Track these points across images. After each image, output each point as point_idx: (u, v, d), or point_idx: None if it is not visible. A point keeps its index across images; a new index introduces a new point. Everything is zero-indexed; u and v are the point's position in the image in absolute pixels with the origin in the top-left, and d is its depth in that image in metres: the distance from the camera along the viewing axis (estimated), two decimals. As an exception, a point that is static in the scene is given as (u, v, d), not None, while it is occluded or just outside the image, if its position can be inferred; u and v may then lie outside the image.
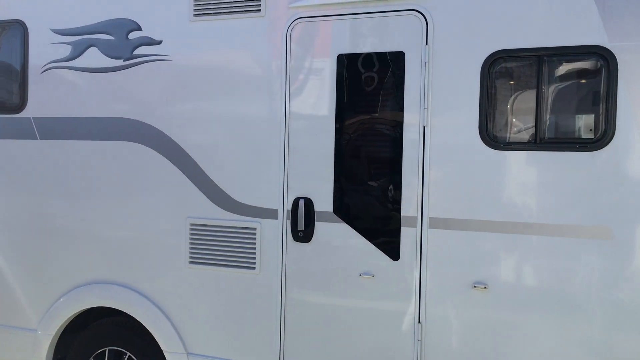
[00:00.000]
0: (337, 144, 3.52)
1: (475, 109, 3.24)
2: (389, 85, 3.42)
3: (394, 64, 3.39)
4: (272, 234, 3.68)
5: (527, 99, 3.17)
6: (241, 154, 3.73)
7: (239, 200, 3.75)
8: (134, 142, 3.99)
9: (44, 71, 4.24)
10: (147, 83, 3.95)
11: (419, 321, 3.39)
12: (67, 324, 4.27)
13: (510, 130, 3.22)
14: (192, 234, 3.86)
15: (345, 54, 3.49)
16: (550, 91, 3.13)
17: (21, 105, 4.32)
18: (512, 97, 3.23)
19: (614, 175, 3.02)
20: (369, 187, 3.48)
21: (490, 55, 3.20)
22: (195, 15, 3.81)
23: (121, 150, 4.03)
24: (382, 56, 3.43)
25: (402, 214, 3.39)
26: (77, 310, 4.19)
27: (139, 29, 3.96)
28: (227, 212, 3.78)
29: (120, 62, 4.02)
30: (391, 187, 3.42)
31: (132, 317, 4.06)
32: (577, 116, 3.13)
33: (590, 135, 3.08)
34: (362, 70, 3.47)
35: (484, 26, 3.22)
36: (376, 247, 3.46)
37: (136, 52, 3.97)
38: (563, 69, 3.13)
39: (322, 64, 3.55)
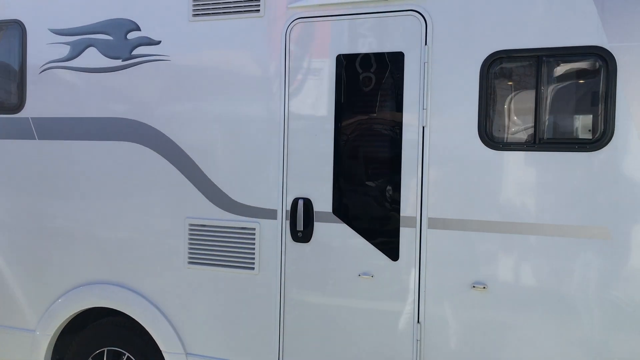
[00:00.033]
0: (336, 144, 3.52)
1: (474, 109, 3.24)
2: (388, 85, 3.42)
3: (393, 64, 3.39)
4: (271, 234, 3.68)
5: (526, 99, 3.18)
6: (240, 154, 3.73)
7: (238, 200, 3.75)
8: (133, 142, 3.99)
9: (43, 71, 4.23)
10: (146, 83, 3.95)
11: (418, 321, 3.39)
12: (65, 324, 4.27)
13: (509, 130, 3.23)
14: (191, 234, 3.86)
15: (344, 55, 3.49)
16: (549, 91, 3.14)
17: (19, 105, 4.31)
18: (511, 97, 3.23)
19: (613, 176, 3.03)
20: (368, 188, 3.48)
21: (489, 56, 3.20)
22: (194, 15, 3.80)
23: (120, 151, 4.03)
24: (381, 56, 3.43)
25: (401, 214, 3.40)
26: (76, 311, 4.18)
27: (138, 29, 3.95)
28: (226, 213, 3.78)
29: (119, 62, 4.02)
30: (390, 187, 3.42)
31: (131, 317, 4.05)
32: (576, 116, 3.14)
33: (589, 136, 3.08)
34: (361, 71, 3.47)
35: (483, 27, 3.22)
36: (375, 248, 3.46)
37: (135, 52, 3.97)
38: (562, 69, 3.13)
39: (321, 64, 3.55)
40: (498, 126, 3.24)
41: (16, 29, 4.30)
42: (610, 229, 3.04)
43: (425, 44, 3.33)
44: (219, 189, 3.79)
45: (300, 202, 3.58)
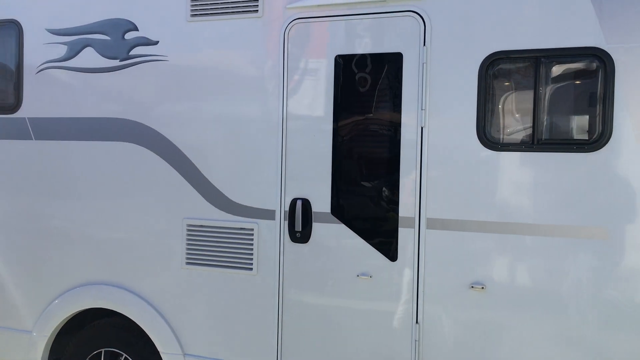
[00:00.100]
0: (334, 145, 3.52)
1: (472, 109, 3.25)
2: (387, 86, 3.42)
3: (392, 65, 3.40)
4: (270, 234, 3.67)
5: (525, 100, 3.19)
6: (238, 154, 3.73)
7: (236, 201, 3.74)
8: (130, 142, 3.98)
9: (39, 71, 4.22)
10: (144, 83, 3.94)
11: (417, 321, 3.39)
12: (62, 325, 4.25)
13: (508, 131, 3.23)
14: (188, 234, 3.86)
15: (342, 55, 3.49)
16: (548, 92, 3.15)
17: (16, 105, 4.29)
18: (510, 98, 3.24)
19: (611, 176, 3.04)
20: (366, 188, 3.48)
21: (487, 57, 3.21)
22: (193, 15, 3.80)
23: (117, 151, 4.02)
24: (379, 57, 3.43)
25: (399, 215, 3.40)
26: (73, 312, 4.17)
27: (136, 29, 3.94)
28: (224, 213, 3.78)
29: (116, 63, 4.00)
30: (389, 187, 3.42)
31: (129, 318, 4.04)
32: (574, 117, 3.15)
33: (587, 137, 3.09)
34: (360, 71, 3.47)
35: (482, 27, 3.23)
36: (374, 248, 3.46)
37: (132, 52, 3.96)
38: (560, 70, 3.14)
39: (320, 65, 3.55)
40: (496, 127, 3.24)
41: (13, 29, 4.28)
42: (608, 229, 3.06)
43: (424, 44, 3.33)
44: (217, 189, 3.78)
45: (299, 203, 3.58)
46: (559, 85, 3.14)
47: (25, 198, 4.29)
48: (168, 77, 3.87)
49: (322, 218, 3.55)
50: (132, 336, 4.06)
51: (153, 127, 3.92)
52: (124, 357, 4.08)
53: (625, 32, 3.01)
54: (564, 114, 3.15)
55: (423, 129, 3.34)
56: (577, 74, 3.12)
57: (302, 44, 3.58)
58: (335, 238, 3.54)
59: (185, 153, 3.85)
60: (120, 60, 3.99)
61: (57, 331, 4.27)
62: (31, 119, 4.25)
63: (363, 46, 3.47)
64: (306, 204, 3.58)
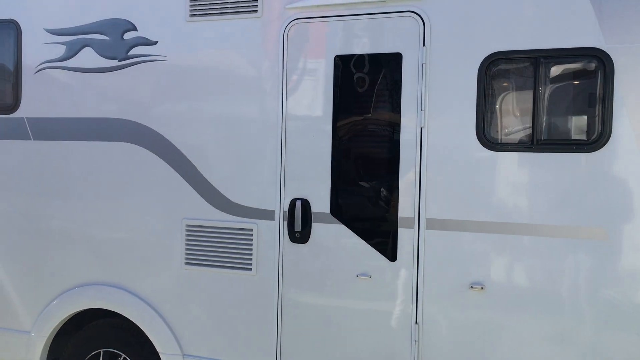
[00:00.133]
0: (334, 145, 3.52)
1: (472, 110, 3.25)
2: (386, 86, 3.42)
3: (391, 65, 3.40)
4: (269, 235, 3.67)
5: (524, 100, 3.19)
6: (237, 154, 3.73)
7: (235, 201, 3.74)
8: (129, 142, 3.97)
9: (38, 71, 4.21)
10: (143, 83, 3.93)
11: (416, 322, 3.39)
12: (61, 325, 4.24)
13: (507, 131, 3.24)
14: (188, 235, 3.85)
15: (342, 55, 3.49)
16: (547, 93, 3.15)
17: (14, 105, 4.28)
18: (509, 98, 3.24)
19: (610, 177, 3.05)
20: (366, 188, 3.49)
21: (487, 57, 3.21)
22: (192, 15, 3.79)
23: (116, 151, 4.01)
24: (379, 57, 3.43)
25: (399, 215, 3.40)
26: (72, 312, 4.16)
27: (134, 29, 3.94)
28: (224, 213, 3.77)
29: (115, 63, 4.00)
30: (388, 188, 3.42)
31: (127, 318, 4.04)
32: (573, 118, 3.15)
33: (586, 137, 3.10)
34: (359, 72, 3.47)
35: (481, 28, 3.23)
36: (373, 248, 3.46)
37: (131, 52, 3.95)
38: (560, 70, 3.14)
39: (319, 65, 3.55)
40: (496, 127, 3.25)
41: (11, 29, 4.27)
42: (608, 230, 3.06)
43: (423, 45, 3.33)
44: (216, 189, 3.78)
45: (298, 203, 3.58)
46: (558, 85, 3.15)
47: (24, 198, 4.28)
48: (167, 77, 3.87)
49: (322, 218, 3.55)
50: (131, 337, 4.05)
51: (152, 127, 3.91)
52: (122, 357, 4.08)
53: (624, 33, 3.01)
54: (564, 114, 3.16)
55: (422, 129, 3.34)
56: (576, 74, 3.12)
57: (301, 44, 3.58)
58: (334, 238, 3.54)
59: (185, 153, 3.84)
60: (119, 60, 3.98)
61: (56, 332, 4.26)
62: (30, 119, 4.24)
63: (362, 46, 3.47)
64: (305, 204, 3.58)
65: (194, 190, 3.83)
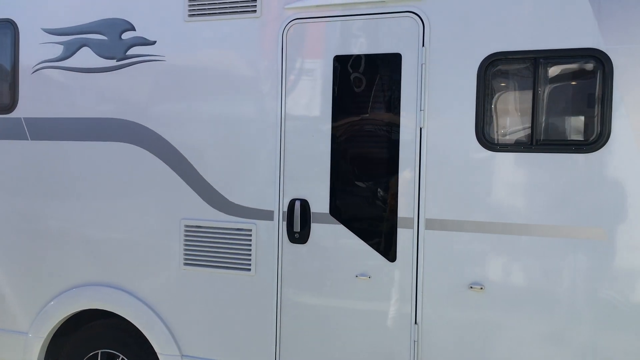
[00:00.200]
0: (333, 145, 3.52)
1: (471, 110, 3.25)
2: (385, 86, 3.42)
3: (391, 65, 3.40)
4: (268, 235, 3.67)
5: (523, 100, 3.20)
6: (236, 155, 3.72)
7: (234, 201, 3.74)
8: (128, 143, 3.96)
9: (35, 71, 4.19)
10: (141, 83, 3.92)
11: (416, 322, 3.40)
12: (59, 326, 4.23)
13: (507, 131, 3.24)
14: (186, 235, 3.84)
15: (341, 55, 3.49)
16: (546, 93, 3.16)
17: (11, 105, 4.26)
18: (509, 99, 3.25)
19: (609, 177, 3.05)
20: (365, 189, 3.48)
21: (486, 58, 3.21)
22: (190, 15, 3.79)
23: (114, 151, 4.00)
24: (378, 58, 3.43)
25: (398, 215, 3.40)
26: (69, 313, 4.15)
27: (133, 29, 3.93)
28: (222, 214, 3.77)
29: (113, 63, 3.99)
30: (387, 188, 3.42)
31: (126, 319, 4.02)
32: (572, 118, 3.16)
33: (585, 137, 3.11)
34: (358, 72, 3.47)
35: (481, 28, 3.23)
36: (372, 249, 3.46)
37: (129, 52, 3.94)
38: (559, 71, 3.15)
39: (318, 65, 3.55)
40: (495, 127, 3.25)
41: (8, 28, 4.25)
42: (607, 230, 3.07)
43: (423, 45, 3.33)
44: (215, 189, 3.77)
45: (297, 203, 3.58)
46: (557, 85, 3.16)
47: (21, 199, 4.27)
48: (166, 77, 3.86)
49: (321, 219, 3.55)
50: (129, 337, 4.04)
51: (150, 127, 3.90)
52: (120, 358, 4.07)
53: (623, 33, 3.02)
54: (563, 114, 3.16)
55: (422, 129, 3.34)
56: (575, 75, 3.13)
57: (300, 45, 3.58)
58: (333, 238, 3.53)
59: (183, 153, 3.83)
60: (117, 60, 3.97)
61: (54, 332, 4.24)
62: (27, 119, 4.23)
63: (362, 47, 3.46)
64: (305, 204, 3.58)
65: (192, 191, 3.82)
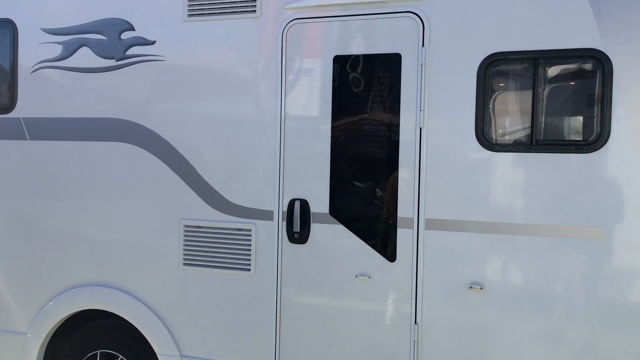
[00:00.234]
0: (332, 145, 3.52)
1: (471, 110, 3.26)
2: (385, 86, 3.43)
3: (390, 65, 3.40)
4: (268, 235, 3.66)
5: (523, 101, 3.20)
6: (236, 155, 3.72)
7: (234, 201, 3.73)
8: (127, 143, 3.96)
9: (34, 71, 4.18)
10: (140, 83, 3.92)
11: (415, 322, 3.40)
12: (57, 326, 4.22)
13: (506, 132, 3.25)
14: (186, 235, 3.84)
15: (341, 56, 3.49)
16: (546, 93, 3.16)
17: (10, 105, 4.25)
18: (508, 99, 3.25)
19: (608, 177, 3.06)
20: (365, 189, 3.49)
21: (486, 58, 3.22)
22: (190, 15, 3.78)
23: (113, 152, 4.00)
24: (378, 58, 3.43)
25: (398, 215, 3.40)
26: (68, 313, 4.14)
27: (132, 29, 3.92)
28: (222, 214, 3.76)
29: (112, 62, 3.98)
30: (387, 188, 3.42)
31: (125, 319, 4.02)
32: (572, 118, 3.17)
33: (585, 138, 3.11)
34: (358, 72, 3.47)
35: (481, 29, 3.24)
36: (372, 249, 3.46)
37: (129, 52, 3.94)
38: (558, 71, 3.16)
39: (318, 65, 3.55)
40: (495, 127, 3.25)
41: (7, 28, 4.25)
42: (606, 230, 3.07)
43: (423, 45, 3.34)
44: (215, 190, 3.77)
45: (297, 203, 3.57)
46: (557, 86, 3.16)
47: (20, 199, 4.26)
48: (165, 77, 3.85)
49: (321, 219, 3.55)
50: (128, 338, 4.03)
51: (150, 127, 3.90)
52: (119, 358, 4.06)
53: (623, 34, 3.02)
54: (562, 115, 3.17)
55: (422, 129, 3.34)
56: (575, 75, 3.14)
57: (300, 45, 3.58)
58: (333, 239, 3.53)
59: (183, 153, 3.83)
60: (117, 60, 3.97)
61: (52, 333, 4.24)
62: (26, 119, 4.22)
63: (361, 47, 3.47)
64: (304, 204, 3.58)
65: (192, 191, 3.82)
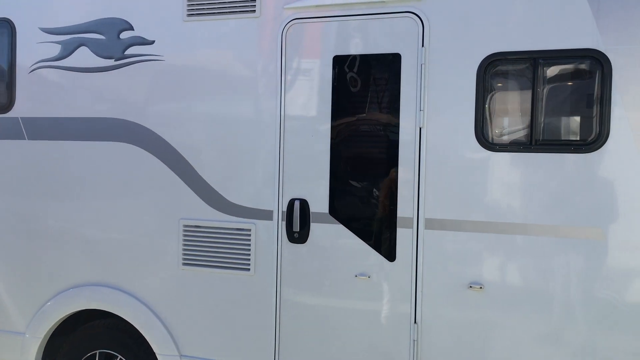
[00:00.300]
0: (332, 145, 3.52)
1: (471, 110, 3.26)
2: (385, 86, 3.43)
3: (390, 65, 3.40)
4: (267, 235, 3.66)
5: (523, 101, 3.21)
6: (235, 154, 3.72)
7: (233, 201, 3.73)
8: (126, 142, 3.95)
9: (32, 70, 4.18)
10: (139, 83, 3.91)
11: (415, 322, 3.40)
12: (56, 326, 4.21)
13: (506, 131, 3.25)
14: (185, 235, 3.84)
15: (340, 56, 3.49)
16: (545, 93, 3.17)
17: (8, 105, 4.24)
18: (508, 99, 3.26)
19: (607, 177, 3.07)
20: (364, 188, 3.49)
21: (486, 58, 3.22)
22: (189, 15, 3.78)
23: (112, 151, 3.99)
24: (377, 58, 3.44)
25: (398, 215, 3.40)
26: (67, 313, 4.13)
27: (131, 28, 3.92)
28: (221, 214, 3.76)
29: (111, 62, 3.98)
30: (387, 188, 3.43)
31: (124, 319, 4.01)
32: (571, 118, 3.18)
33: (584, 138, 3.12)
34: (358, 72, 3.47)
35: (480, 29, 3.24)
36: (372, 248, 3.47)
37: (128, 52, 3.93)
38: (558, 71, 3.16)
39: (318, 65, 3.55)
40: (494, 127, 3.26)
41: (5, 28, 4.24)
42: (605, 230, 3.08)
43: (422, 45, 3.34)
44: (214, 189, 3.77)
45: (297, 203, 3.58)
46: (556, 86, 3.17)
47: (18, 198, 4.25)
48: (164, 77, 3.85)
49: (320, 218, 3.55)
50: (127, 337, 4.03)
51: (149, 127, 3.90)
52: (118, 358, 4.05)
53: (622, 34, 3.03)
54: (562, 115, 3.18)
55: (421, 129, 3.35)
56: (574, 75, 3.15)
57: (299, 45, 3.58)
58: (333, 238, 3.54)
59: (182, 153, 3.83)
60: (116, 60, 3.96)
61: (51, 333, 4.23)
62: (24, 119, 4.21)
63: (361, 47, 3.47)
64: (304, 204, 3.58)
65: (191, 190, 3.82)
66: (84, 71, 4.04)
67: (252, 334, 3.72)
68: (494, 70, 3.24)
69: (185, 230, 3.83)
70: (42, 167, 4.17)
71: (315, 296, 3.58)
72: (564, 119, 3.18)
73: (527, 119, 3.18)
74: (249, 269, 3.70)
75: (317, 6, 3.53)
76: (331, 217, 3.53)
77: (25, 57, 4.20)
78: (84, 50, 4.04)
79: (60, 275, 4.15)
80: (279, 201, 3.63)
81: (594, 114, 3.08)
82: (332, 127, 3.52)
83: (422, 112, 3.34)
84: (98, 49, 4.00)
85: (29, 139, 4.21)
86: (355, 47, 3.48)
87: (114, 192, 4.00)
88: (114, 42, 3.95)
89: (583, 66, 3.12)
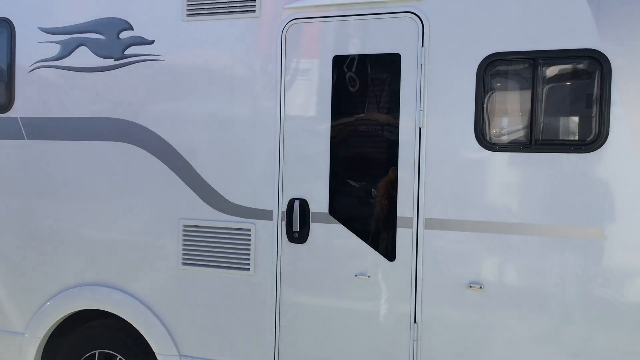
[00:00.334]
0: (332, 145, 3.52)
1: (470, 110, 3.27)
2: (385, 86, 3.43)
3: (390, 65, 3.41)
4: (267, 235, 3.67)
5: (522, 100, 3.21)
6: (235, 154, 3.72)
7: (233, 201, 3.73)
8: (126, 142, 3.95)
9: (32, 70, 4.17)
10: (139, 83, 3.91)
11: (415, 321, 3.41)
12: (55, 326, 4.21)
13: (505, 131, 3.26)
14: (185, 235, 3.84)
15: (340, 56, 3.50)
16: (545, 93, 3.18)
17: (8, 104, 4.24)
18: (507, 99, 3.27)
19: (607, 177, 3.08)
20: (364, 188, 3.49)
21: (486, 58, 3.23)
22: (189, 15, 3.78)
23: (112, 151, 3.99)
24: (377, 58, 3.44)
25: (397, 215, 3.41)
26: (66, 313, 4.13)
27: (131, 28, 3.92)
28: (221, 213, 3.76)
29: (110, 62, 3.97)
30: (387, 188, 3.43)
31: (123, 319, 4.01)
32: (571, 118, 3.18)
33: (584, 137, 3.13)
34: (358, 72, 3.48)
35: (480, 29, 3.25)
36: (372, 248, 3.47)
37: (127, 51, 3.93)
38: (557, 71, 3.17)
39: (318, 65, 3.55)
40: (494, 127, 3.27)
41: (5, 27, 4.23)
42: (605, 229, 3.09)
43: (422, 45, 3.35)
44: (214, 189, 3.77)
45: (297, 203, 3.58)
46: (556, 86, 3.18)
47: (17, 198, 4.24)
48: (164, 76, 3.85)
49: (320, 218, 3.55)
50: (127, 337, 4.03)
51: (148, 126, 3.89)
52: (118, 358, 4.05)
53: (621, 34, 3.04)
54: (561, 115, 3.18)
55: (421, 129, 3.35)
56: (574, 75, 3.15)
57: (299, 45, 3.58)
58: (333, 238, 3.54)
59: (181, 153, 3.83)
60: (115, 60, 3.96)
61: (50, 333, 4.22)
62: (23, 119, 4.21)
63: (361, 47, 3.47)
64: (304, 204, 3.58)
65: (190, 190, 3.82)
66: (83, 71, 4.04)
67: (252, 333, 3.72)
68: (494, 70, 3.24)
69: (185, 230, 3.83)
70: (42, 167, 4.17)
71: (315, 296, 3.58)
72: (563, 119, 3.19)
73: (527, 119, 3.19)
74: (248, 269, 3.70)
75: (316, 6, 3.53)
76: (331, 217, 3.53)
77: (24, 57, 4.19)
78: (83, 50, 4.04)
79: (60, 275, 4.15)
80: (279, 201, 3.63)
81: (594, 113, 3.09)
82: (332, 127, 3.52)
83: (421, 112, 3.34)
84: (97, 49, 4.00)
85: (28, 138, 4.20)
86: (355, 47, 3.48)
87: (113, 192, 3.99)
88: (114, 42, 3.95)
89: (582, 66, 3.12)
